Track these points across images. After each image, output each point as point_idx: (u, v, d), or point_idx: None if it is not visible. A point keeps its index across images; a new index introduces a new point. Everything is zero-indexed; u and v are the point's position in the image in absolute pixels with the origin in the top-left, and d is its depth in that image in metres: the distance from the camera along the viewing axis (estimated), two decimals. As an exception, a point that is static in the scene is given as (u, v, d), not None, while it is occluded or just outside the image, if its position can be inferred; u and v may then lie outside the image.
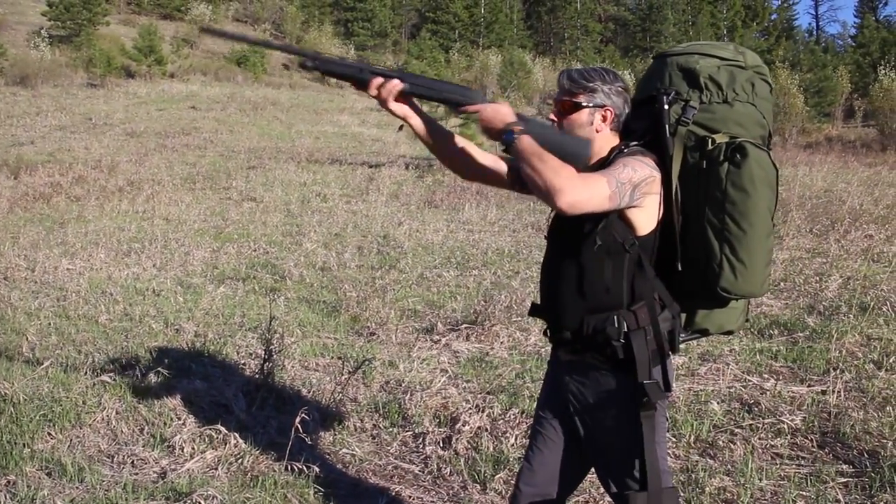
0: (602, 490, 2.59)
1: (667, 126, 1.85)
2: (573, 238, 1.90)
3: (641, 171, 1.80)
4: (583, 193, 1.70)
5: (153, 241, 7.92)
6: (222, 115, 22.16)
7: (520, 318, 5.16)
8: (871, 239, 7.52)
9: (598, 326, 1.86)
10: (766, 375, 4.14)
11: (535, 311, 2.07)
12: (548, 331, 2.03)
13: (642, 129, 1.92)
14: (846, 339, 4.55)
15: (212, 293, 5.89)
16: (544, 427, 2.07)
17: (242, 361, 4.40)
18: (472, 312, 5.27)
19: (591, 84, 1.88)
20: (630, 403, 1.86)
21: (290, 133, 20.25)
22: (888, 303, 5.21)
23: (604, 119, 1.90)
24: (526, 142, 1.76)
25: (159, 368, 4.11)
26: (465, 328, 4.99)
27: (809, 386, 3.96)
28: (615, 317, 1.84)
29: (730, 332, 2.05)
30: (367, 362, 4.29)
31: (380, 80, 1.91)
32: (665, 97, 1.85)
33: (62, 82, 26.03)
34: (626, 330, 1.84)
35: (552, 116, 1.95)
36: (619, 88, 1.91)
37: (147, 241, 7.89)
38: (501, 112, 1.83)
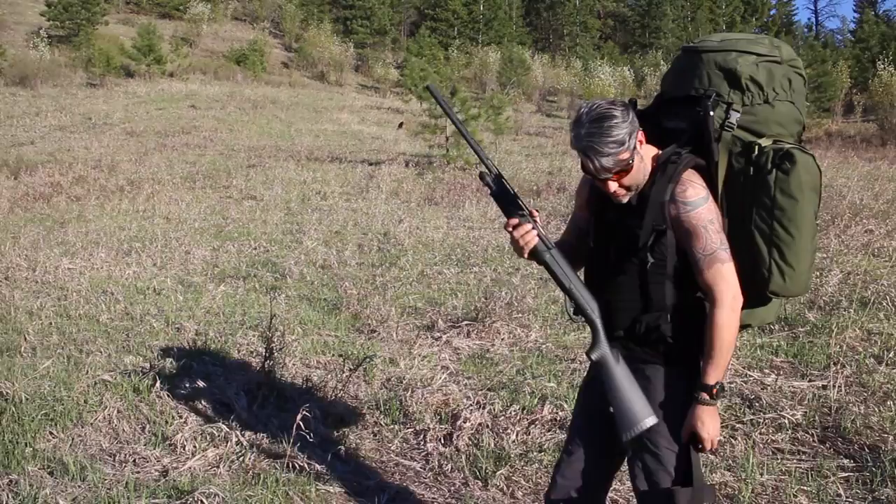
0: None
1: (712, 132, 1.81)
2: (623, 248, 1.90)
3: (714, 208, 1.81)
4: (736, 290, 1.79)
5: (153, 240, 7.92)
6: (222, 114, 22.15)
7: (520, 315, 5.16)
8: (871, 234, 7.51)
9: (650, 324, 1.88)
10: (766, 370, 4.14)
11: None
12: None
13: (682, 133, 1.87)
14: (847, 333, 4.55)
15: (212, 292, 5.89)
16: (583, 420, 2.08)
17: (243, 360, 4.41)
18: (472, 309, 5.27)
19: (623, 144, 1.77)
20: (677, 398, 1.88)
21: (290, 131, 20.22)
22: (888, 297, 5.21)
23: (641, 143, 1.84)
24: (713, 382, 1.81)
25: (160, 367, 4.13)
26: (466, 325, 4.99)
27: (810, 381, 3.96)
28: (668, 315, 1.87)
29: (769, 324, 2.08)
30: (367, 360, 4.30)
31: (528, 228, 1.89)
32: (707, 101, 1.81)
33: (61, 82, 26.04)
34: (678, 326, 1.87)
35: (615, 186, 1.84)
36: (623, 110, 1.79)
37: (147, 241, 7.88)
38: (714, 424, 1.84)
